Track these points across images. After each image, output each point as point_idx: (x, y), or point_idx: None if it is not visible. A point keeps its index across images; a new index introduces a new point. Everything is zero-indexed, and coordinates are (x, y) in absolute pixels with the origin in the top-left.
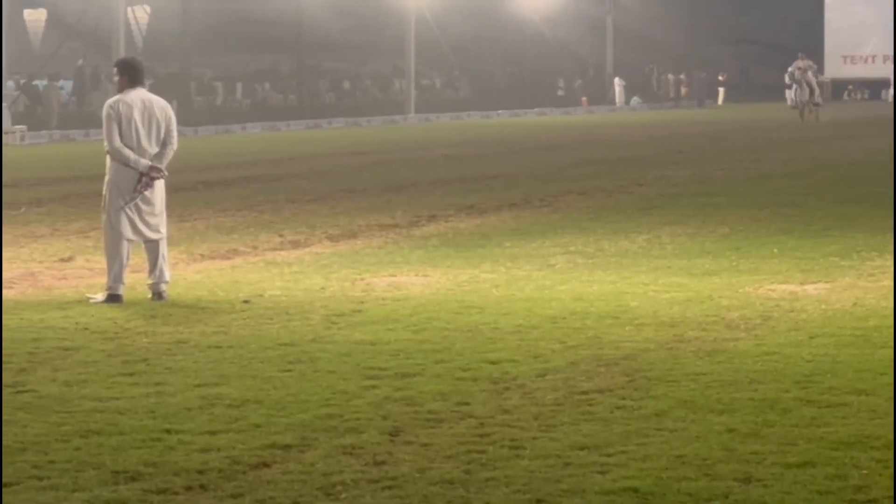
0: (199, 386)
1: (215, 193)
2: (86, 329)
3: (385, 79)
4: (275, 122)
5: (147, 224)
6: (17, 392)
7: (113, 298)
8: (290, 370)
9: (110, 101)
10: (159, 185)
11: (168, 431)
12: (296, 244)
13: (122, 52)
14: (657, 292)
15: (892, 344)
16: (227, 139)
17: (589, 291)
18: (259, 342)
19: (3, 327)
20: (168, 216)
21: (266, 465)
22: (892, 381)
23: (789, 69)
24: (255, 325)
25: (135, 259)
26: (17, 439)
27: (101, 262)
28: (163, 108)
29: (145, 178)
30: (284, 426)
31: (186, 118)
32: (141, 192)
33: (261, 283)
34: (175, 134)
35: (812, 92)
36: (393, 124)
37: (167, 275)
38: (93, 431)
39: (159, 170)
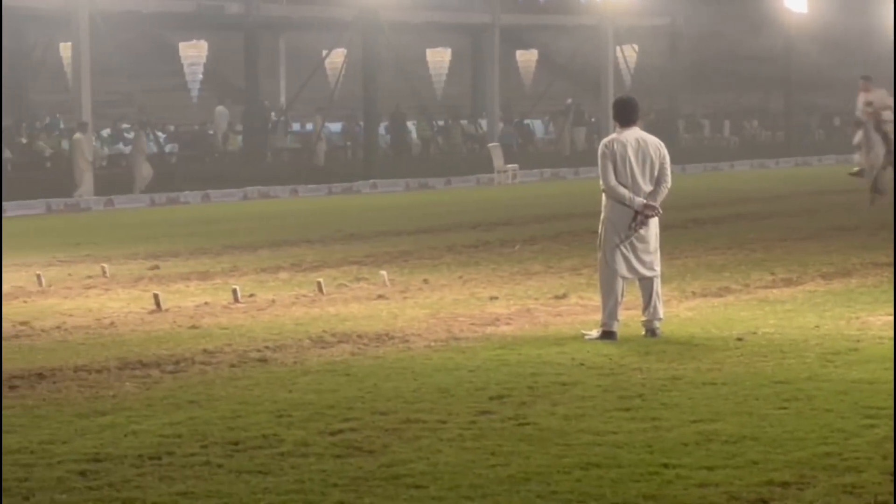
0: (694, 422)
1: (705, 231)
2: (582, 364)
3: None
4: (763, 160)
5: (641, 262)
6: (519, 424)
7: (607, 335)
8: (785, 408)
9: (605, 140)
10: (653, 223)
11: (665, 466)
12: (788, 282)
13: (610, 91)
14: None
15: None
16: (714, 177)
17: None
18: (754, 379)
19: (504, 362)
20: (660, 253)
21: (764, 501)
22: None
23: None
24: (749, 363)
25: (628, 296)
26: (521, 469)
27: (594, 299)
28: (656, 146)
29: (640, 217)
30: (782, 463)
31: (674, 155)
32: (636, 230)
33: (753, 321)
34: (668, 172)
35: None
36: None
37: (661, 312)
38: (592, 464)
39: (654, 207)
